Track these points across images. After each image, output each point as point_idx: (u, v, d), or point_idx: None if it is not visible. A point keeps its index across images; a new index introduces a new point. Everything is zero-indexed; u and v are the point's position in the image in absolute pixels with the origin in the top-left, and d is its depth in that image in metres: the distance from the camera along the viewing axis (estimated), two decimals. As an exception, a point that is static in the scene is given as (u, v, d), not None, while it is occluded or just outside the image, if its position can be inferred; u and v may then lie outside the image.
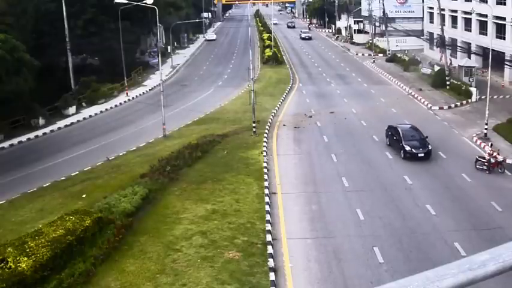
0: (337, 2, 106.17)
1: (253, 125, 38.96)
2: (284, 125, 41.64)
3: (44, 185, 31.23)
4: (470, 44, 58.87)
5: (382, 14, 75.75)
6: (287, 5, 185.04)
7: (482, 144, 34.37)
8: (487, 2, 51.76)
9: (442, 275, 1.77)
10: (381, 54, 76.36)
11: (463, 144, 35.69)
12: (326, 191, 27.94)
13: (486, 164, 29.77)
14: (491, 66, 38.47)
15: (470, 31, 58.79)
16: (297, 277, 19.72)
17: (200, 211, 25.19)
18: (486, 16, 52.98)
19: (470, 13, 55.62)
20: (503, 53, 51.23)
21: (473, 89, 48.50)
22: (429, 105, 46.41)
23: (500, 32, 52.46)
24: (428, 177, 29.42)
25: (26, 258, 18.40)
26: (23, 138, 42.35)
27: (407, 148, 32.01)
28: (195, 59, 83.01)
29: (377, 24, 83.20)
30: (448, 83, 51.68)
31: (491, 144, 32.58)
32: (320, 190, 28.06)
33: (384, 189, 27.74)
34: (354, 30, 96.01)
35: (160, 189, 27.66)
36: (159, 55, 50.12)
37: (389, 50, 74.17)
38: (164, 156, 32.56)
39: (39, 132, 43.97)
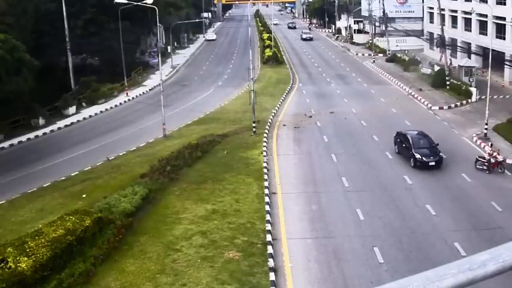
0: (337, 2, 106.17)
1: (253, 125, 38.96)
2: (284, 125, 41.64)
3: (44, 185, 31.24)
4: (470, 44, 58.86)
5: (382, 14, 75.76)
6: (287, 5, 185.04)
7: (482, 144, 34.36)
8: (487, 2, 51.76)
9: (442, 275, 1.77)
10: (381, 54, 76.37)
11: (463, 144, 35.69)
12: (326, 191, 27.94)
13: (486, 164, 29.77)
14: (491, 66, 38.47)
15: (470, 31, 58.79)
16: (297, 277, 19.72)
17: (200, 211, 25.19)
18: (486, 16, 52.98)
19: (470, 13, 55.63)
20: (503, 53, 51.22)
21: (473, 89, 48.50)
22: (429, 105, 46.41)
23: (500, 32, 52.46)
24: (428, 177, 29.42)
25: (26, 258, 18.40)
26: (23, 138, 42.36)
27: (418, 156, 30.43)
28: (195, 59, 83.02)
29: (377, 24, 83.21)
30: (448, 83, 51.68)
31: (491, 144, 32.57)
32: (320, 190, 28.06)
33: (384, 189, 27.74)
34: (354, 30, 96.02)
35: (160, 189, 27.67)
36: (159, 55, 50.13)
37: (389, 50, 74.18)
38: (164, 156, 32.57)
39: (39, 132, 43.97)
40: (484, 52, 51.62)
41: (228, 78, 65.19)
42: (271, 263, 20.14)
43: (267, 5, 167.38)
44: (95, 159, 35.42)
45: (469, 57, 56.49)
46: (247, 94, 45.22)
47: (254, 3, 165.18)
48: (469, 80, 50.93)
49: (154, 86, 58.10)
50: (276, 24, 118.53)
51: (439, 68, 56.73)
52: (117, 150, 37.01)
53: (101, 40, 57.36)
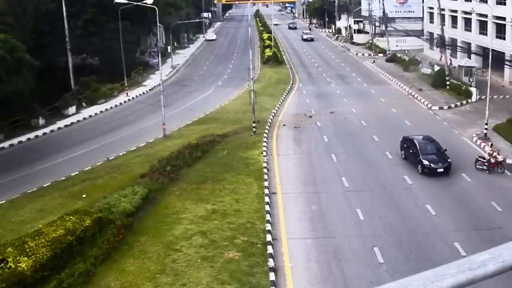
0: (337, 2, 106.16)
1: (253, 125, 38.96)
2: (284, 125, 41.64)
3: (44, 185, 31.24)
4: (470, 44, 58.87)
5: (382, 14, 75.77)
6: (287, 5, 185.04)
7: (482, 144, 34.36)
8: (487, 2, 51.76)
9: (442, 275, 1.77)
10: (381, 54, 76.37)
11: (463, 144, 35.68)
12: (326, 191, 27.94)
13: (486, 164, 29.77)
14: (491, 66, 38.47)
15: (470, 31, 58.79)
16: (297, 277, 19.72)
17: (200, 211, 25.19)
18: (486, 16, 52.98)
19: (470, 13, 55.63)
20: (503, 53, 51.22)
21: (473, 89, 48.50)
22: (429, 105, 46.41)
23: (500, 32, 52.46)
24: (428, 177, 29.40)
25: (26, 258, 18.40)
26: (23, 138, 42.36)
27: (426, 163, 29.30)
28: (195, 59, 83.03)
29: (377, 24, 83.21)
30: (448, 83, 51.67)
31: (491, 144, 32.56)
32: (320, 190, 28.06)
33: (384, 189, 27.74)
34: (354, 30, 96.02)
35: (160, 189, 27.67)
36: (159, 55, 50.15)
37: (389, 50, 74.18)
38: (164, 156, 32.57)
39: (39, 132, 43.98)
40: (484, 52, 51.62)
41: (228, 78, 65.20)
42: (271, 263, 20.14)
43: (267, 5, 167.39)
44: (95, 159, 35.42)
45: (469, 57, 56.49)
46: (247, 94, 45.22)
47: (254, 3, 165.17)
48: (469, 80, 50.93)
49: (154, 86, 58.11)
50: (277, 24, 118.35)
51: (439, 68, 56.73)
52: (117, 150, 37.01)
53: (101, 40, 57.36)
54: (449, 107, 46.13)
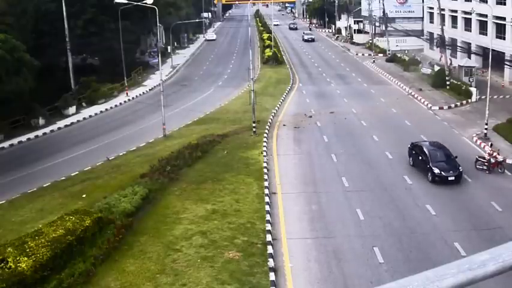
0: (337, 2, 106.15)
1: (253, 125, 38.95)
2: (284, 125, 41.64)
3: (44, 185, 31.24)
4: (470, 44, 58.87)
5: (382, 14, 75.77)
6: (287, 5, 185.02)
7: (482, 144, 34.37)
8: (487, 2, 51.77)
9: (442, 275, 1.77)
10: (381, 54, 76.38)
11: (463, 144, 35.67)
12: (326, 191, 27.94)
13: (486, 164, 29.77)
14: (491, 66, 38.48)
15: (470, 31, 58.79)
16: (297, 277, 19.72)
17: (200, 211, 25.19)
18: (486, 16, 52.98)
19: (470, 13, 55.63)
20: (503, 53, 51.22)
21: (473, 89, 48.51)
22: (429, 105, 46.41)
23: (500, 32, 52.46)
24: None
25: (26, 258, 18.40)
26: (23, 138, 42.35)
27: (436, 171, 28.10)
28: (195, 59, 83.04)
29: (377, 24, 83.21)
30: (448, 83, 51.67)
31: (491, 144, 32.57)
32: (320, 190, 28.06)
33: (384, 189, 27.74)
34: (354, 30, 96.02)
35: (160, 189, 27.66)
36: (159, 55, 50.16)
37: (389, 50, 74.18)
38: (164, 156, 32.56)
39: (39, 132, 43.97)
40: (484, 52, 51.62)
41: (228, 78, 65.20)
42: (271, 263, 20.14)
43: (267, 5, 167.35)
44: (95, 159, 35.42)
45: (469, 57, 56.49)
46: (247, 94, 45.22)
47: (254, 3, 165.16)
48: (469, 80, 50.93)
49: (154, 86, 58.11)
50: (277, 25, 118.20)
51: (439, 68, 56.73)
52: (117, 150, 37.01)
53: (101, 40, 57.35)
54: (449, 107, 46.14)
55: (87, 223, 21.20)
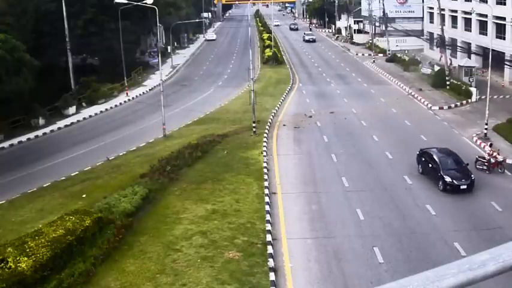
0: (337, 2, 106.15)
1: (253, 125, 38.95)
2: (284, 125, 41.64)
3: (44, 185, 31.23)
4: (470, 44, 58.87)
5: (382, 14, 75.77)
6: (287, 5, 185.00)
7: (482, 144, 34.36)
8: (487, 2, 51.77)
9: (442, 275, 1.77)
10: (381, 54, 76.39)
11: (463, 144, 35.66)
12: (326, 191, 27.93)
13: (486, 164, 29.77)
14: (491, 66, 38.47)
15: (470, 31, 58.79)
16: (297, 277, 19.72)
17: (200, 211, 25.19)
18: (486, 16, 52.99)
19: (470, 13, 55.63)
20: (503, 53, 51.22)
21: (473, 89, 48.51)
22: (429, 105, 46.42)
23: (500, 32, 52.47)
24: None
25: (26, 258, 18.39)
26: (23, 138, 42.35)
27: (448, 179, 26.89)
28: (195, 59, 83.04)
29: (377, 24, 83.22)
30: (448, 83, 51.68)
31: (491, 144, 32.57)
32: (320, 190, 28.06)
33: (384, 189, 27.73)
34: (354, 30, 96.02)
35: (160, 189, 27.66)
36: (159, 55, 50.16)
37: (389, 50, 74.19)
38: (164, 156, 32.56)
39: (39, 132, 43.97)
40: (484, 52, 51.62)
41: (228, 78, 65.21)
42: (271, 263, 20.14)
43: (267, 5, 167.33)
44: (95, 159, 35.42)
45: (469, 57, 56.49)
46: (247, 94, 45.21)
47: (254, 3, 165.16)
48: (469, 80, 50.93)
49: (154, 86, 58.12)
50: (277, 25, 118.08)
51: (439, 68, 56.73)
52: (117, 150, 37.01)
53: (100, 40, 57.36)
54: (449, 107, 46.14)
55: (87, 223, 21.20)
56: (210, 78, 65.91)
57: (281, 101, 50.69)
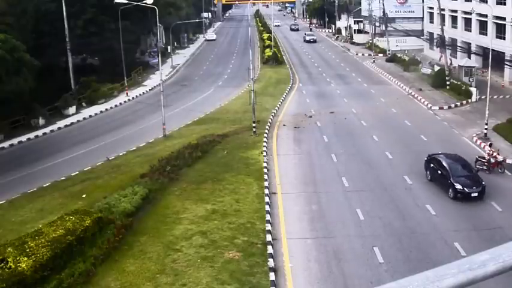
0: (337, 2, 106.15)
1: (253, 125, 38.95)
2: (284, 125, 41.64)
3: (44, 185, 31.23)
4: (470, 44, 58.87)
5: (382, 14, 75.77)
6: (287, 5, 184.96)
7: (482, 144, 34.36)
8: (487, 2, 51.77)
9: (442, 275, 1.77)
10: (381, 54, 76.38)
11: (463, 144, 35.67)
12: (326, 191, 27.93)
13: (486, 164, 29.76)
14: (491, 66, 38.47)
15: (470, 31, 58.79)
16: (297, 277, 19.72)
17: (200, 211, 25.19)
18: (486, 16, 52.98)
19: (470, 13, 55.63)
20: (503, 53, 51.22)
21: (473, 89, 48.51)
22: (429, 105, 46.42)
23: (500, 32, 52.46)
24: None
25: (26, 258, 18.39)
26: (23, 138, 42.35)
27: (458, 187, 25.96)
28: (195, 59, 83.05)
29: (377, 24, 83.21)
30: (448, 83, 51.67)
31: (491, 144, 32.57)
32: (320, 190, 28.06)
33: (384, 189, 27.73)
34: (354, 30, 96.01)
35: (160, 189, 27.66)
36: (159, 55, 50.16)
37: (389, 50, 74.19)
38: (164, 156, 32.56)
39: (39, 132, 43.97)
40: (484, 52, 51.61)
41: (228, 78, 65.21)
42: (271, 263, 20.14)
43: (267, 5, 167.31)
44: (95, 159, 35.42)
45: (469, 57, 56.49)
46: (247, 94, 45.21)
47: (254, 3, 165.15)
48: (469, 80, 50.93)
49: (154, 86, 58.12)
50: (278, 26, 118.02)
51: (439, 68, 56.73)
52: (117, 150, 37.01)
53: (101, 40, 57.36)
54: (449, 107, 46.13)
55: (87, 223, 21.20)
56: (210, 78, 65.91)
57: (281, 101, 50.69)
